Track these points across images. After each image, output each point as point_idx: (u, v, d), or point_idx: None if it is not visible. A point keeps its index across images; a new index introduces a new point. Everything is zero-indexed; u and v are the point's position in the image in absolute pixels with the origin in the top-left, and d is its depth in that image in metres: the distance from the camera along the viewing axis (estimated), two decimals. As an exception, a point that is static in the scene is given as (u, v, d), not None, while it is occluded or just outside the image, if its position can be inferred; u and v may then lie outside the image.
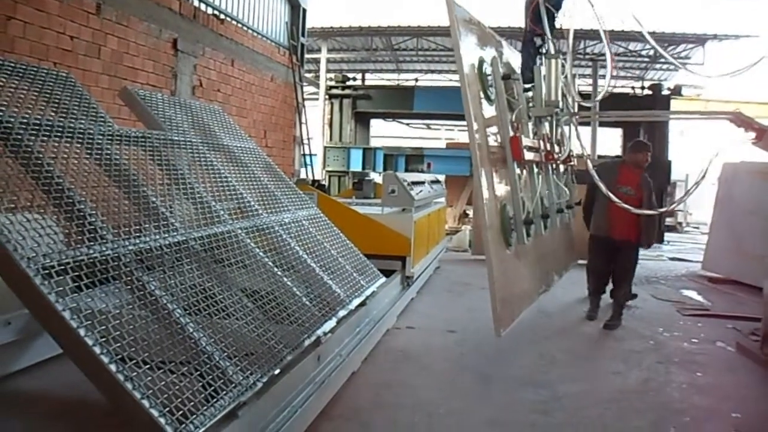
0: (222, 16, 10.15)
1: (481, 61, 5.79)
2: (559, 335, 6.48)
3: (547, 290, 6.58)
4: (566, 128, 6.90)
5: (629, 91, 21.25)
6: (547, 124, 6.54)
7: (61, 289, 2.51)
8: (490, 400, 4.57)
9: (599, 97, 6.77)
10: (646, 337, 6.46)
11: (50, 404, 3.69)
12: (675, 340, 6.38)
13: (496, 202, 5.49)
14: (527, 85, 6.36)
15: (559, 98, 6.20)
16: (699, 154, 6.64)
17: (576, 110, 6.75)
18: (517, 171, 5.89)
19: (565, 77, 6.36)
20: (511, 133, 5.85)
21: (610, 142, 22.65)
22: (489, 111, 5.79)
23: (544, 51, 6.30)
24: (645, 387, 4.99)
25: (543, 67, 6.22)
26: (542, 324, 6.86)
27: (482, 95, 5.66)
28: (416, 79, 23.39)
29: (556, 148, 6.62)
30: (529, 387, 4.84)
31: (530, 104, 6.38)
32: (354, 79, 22.19)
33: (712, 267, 10.46)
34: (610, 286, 7.36)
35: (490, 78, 5.89)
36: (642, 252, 10.65)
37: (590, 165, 6.30)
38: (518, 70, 6.54)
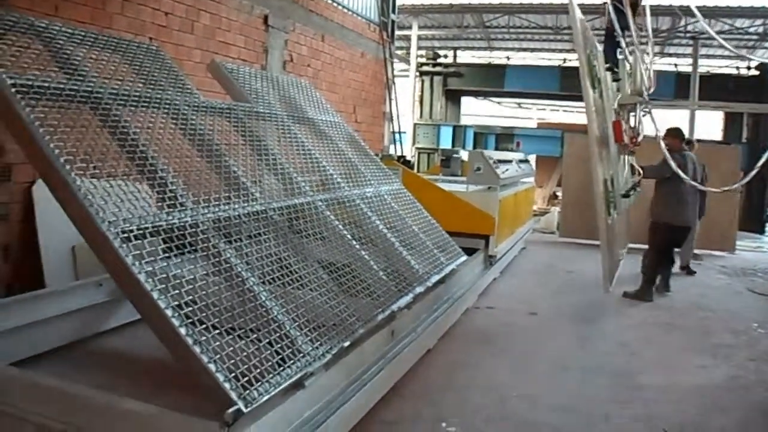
0: (313, -8, 10.19)
1: (589, 55, 6.33)
2: (644, 324, 6.22)
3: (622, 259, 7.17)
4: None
5: (734, 71, 19.92)
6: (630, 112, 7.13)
7: (138, 252, 2.58)
8: (565, 387, 4.44)
9: (651, 88, 6.74)
10: (739, 331, 6.08)
11: (135, 363, 3.84)
12: (771, 337, 5.96)
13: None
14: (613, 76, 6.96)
15: (644, 88, 6.59)
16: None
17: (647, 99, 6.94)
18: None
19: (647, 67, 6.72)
20: (614, 118, 6.49)
21: (710, 125, 21.43)
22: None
23: (623, 45, 6.67)
24: (732, 384, 4.70)
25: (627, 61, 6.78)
26: (626, 312, 6.62)
27: (590, 84, 6.15)
28: (508, 57, 22.83)
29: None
30: (608, 376, 4.67)
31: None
32: (445, 56, 21.94)
33: (820, 259, 9.76)
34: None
35: (595, 68, 6.42)
36: (739, 243, 10.39)
37: (663, 145, 6.47)
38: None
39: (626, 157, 7.41)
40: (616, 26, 6.19)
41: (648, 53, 6.61)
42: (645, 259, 7.39)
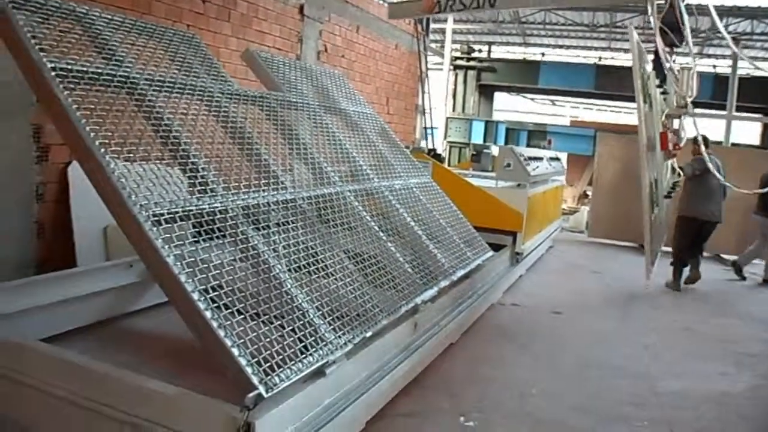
0: (349, -17, 10.20)
1: (643, 75, 6.89)
2: (668, 328, 6.14)
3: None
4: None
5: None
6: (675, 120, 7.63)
7: (167, 236, 2.64)
8: (584, 386, 4.41)
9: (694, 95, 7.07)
10: (766, 340, 5.96)
11: (161, 344, 3.90)
12: (802, 347, 5.82)
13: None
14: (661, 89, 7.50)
15: (689, 101, 7.07)
16: None
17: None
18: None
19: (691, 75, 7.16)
20: (662, 129, 7.20)
21: (748, 130, 20.97)
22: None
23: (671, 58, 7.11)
24: (754, 393, 4.61)
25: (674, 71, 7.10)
26: (651, 314, 6.55)
27: (642, 100, 6.78)
28: (543, 54, 22.60)
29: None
30: (628, 378, 4.63)
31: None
32: (479, 50, 21.79)
33: None
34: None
35: (647, 87, 7.09)
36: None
37: (704, 149, 7.24)
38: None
39: (669, 161, 7.92)
40: (660, 46, 6.60)
41: (690, 65, 6.98)
42: (672, 251, 8.00)
